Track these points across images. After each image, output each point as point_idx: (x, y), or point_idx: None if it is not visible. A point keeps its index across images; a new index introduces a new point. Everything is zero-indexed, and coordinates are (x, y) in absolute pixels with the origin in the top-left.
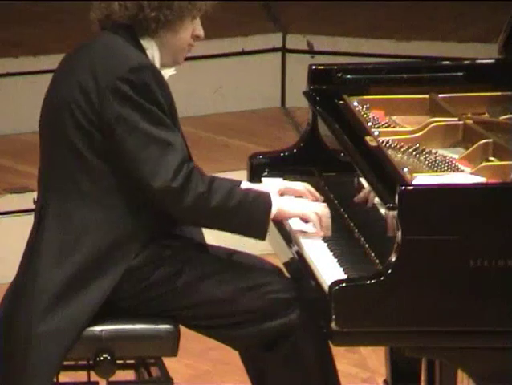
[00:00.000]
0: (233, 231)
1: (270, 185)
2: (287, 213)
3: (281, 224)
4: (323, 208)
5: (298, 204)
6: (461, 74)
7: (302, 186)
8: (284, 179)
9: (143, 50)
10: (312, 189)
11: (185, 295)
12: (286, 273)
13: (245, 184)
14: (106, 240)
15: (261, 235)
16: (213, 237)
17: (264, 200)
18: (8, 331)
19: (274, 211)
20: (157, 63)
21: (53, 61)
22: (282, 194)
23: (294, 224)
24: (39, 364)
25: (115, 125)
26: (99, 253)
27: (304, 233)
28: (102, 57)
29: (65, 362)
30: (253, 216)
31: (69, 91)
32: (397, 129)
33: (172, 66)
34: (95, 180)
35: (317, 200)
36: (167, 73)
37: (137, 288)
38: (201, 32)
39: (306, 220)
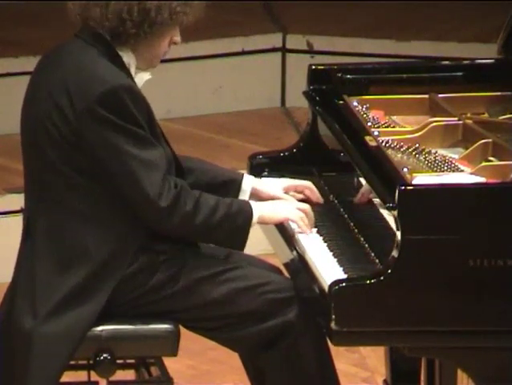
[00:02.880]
0: (215, 243)
1: (276, 182)
2: (271, 220)
3: (281, 224)
4: (304, 206)
5: (279, 207)
6: (461, 74)
7: (307, 183)
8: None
9: (119, 59)
10: (315, 189)
11: (183, 299)
12: (286, 273)
13: (247, 179)
14: (100, 254)
15: (240, 246)
16: None
17: (245, 211)
18: (8, 332)
19: (254, 220)
20: (132, 70)
21: None
22: (286, 191)
23: (293, 225)
24: (40, 368)
25: (96, 148)
26: (96, 267)
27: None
28: (76, 76)
29: None
30: (234, 229)
31: (43, 109)
32: (397, 129)
33: (147, 71)
34: (80, 196)
35: (318, 201)
36: (143, 78)
37: (134, 294)
38: (178, 39)
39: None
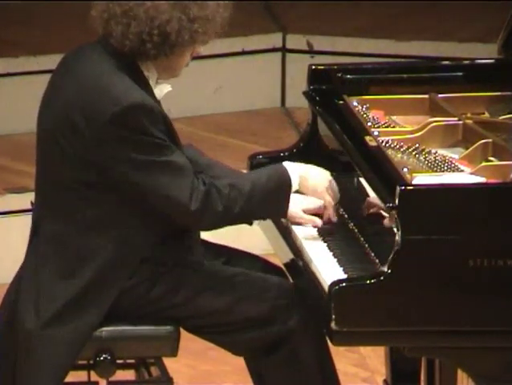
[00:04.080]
0: (259, 219)
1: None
2: (306, 188)
3: (280, 223)
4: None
5: (316, 175)
6: (461, 74)
7: (324, 204)
8: None
9: (139, 72)
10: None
11: (184, 309)
12: (287, 273)
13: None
14: (101, 265)
15: (283, 214)
16: (213, 236)
17: (283, 180)
18: (11, 334)
19: (295, 186)
20: (152, 81)
21: (53, 61)
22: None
23: (297, 230)
24: (42, 371)
25: (118, 165)
26: (96, 278)
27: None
28: (91, 93)
29: None
30: (275, 202)
31: (57, 124)
32: (397, 129)
33: (168, 82)
34: (88, 206)
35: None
36: (162, 90)
37: (135, 305)
38: (201, 50)
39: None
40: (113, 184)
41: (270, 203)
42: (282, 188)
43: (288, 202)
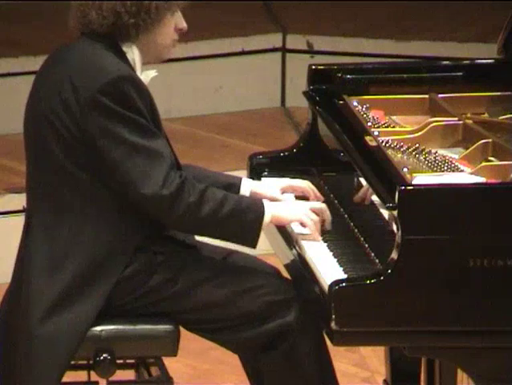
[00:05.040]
0: (224, 239)
1: (273, 183)
2: (282, 220)
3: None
4: (320, 206)
5: (293, 209)
6: (461, 74)
7: (305, 184)
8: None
9: (123, 55)
10: (314, 188)
11: (181, 301)
12: (286, 274)
13: (246, 182)
14: (95, 252)
15: (252, 243)
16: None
17: (257, 208)
18: (8, 333)
19: (267, 219)
20: (138, 67)
21: None
22: (283, 192)
23: (295, 227)
24: (41, 369)
25: (99, 137)
26: (90, 266)
27: (303, 235)
28: (80, 69)
29: None
30: (244, 225)
31: (48, 103)
32: (397, 129)
33: (157, 63)
34: (80, 193)
35: (318, 200)
36: (149, 75)
37: (133, 295)
38: (183, 24)
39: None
40: (99, 166)
41: (239, 221)
42: (255, 213)
43: (258, 233)
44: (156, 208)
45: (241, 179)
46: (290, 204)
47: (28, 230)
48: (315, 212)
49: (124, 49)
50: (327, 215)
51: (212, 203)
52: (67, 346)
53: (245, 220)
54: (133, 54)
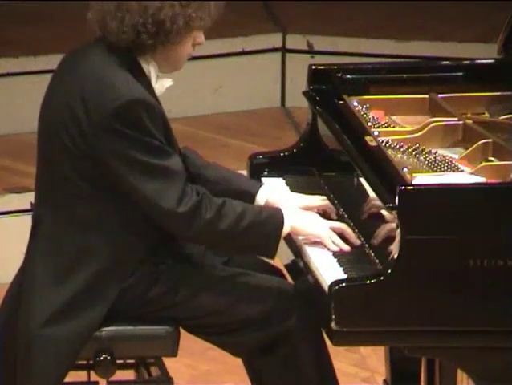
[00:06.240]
0: (242, 252)
1: (292, 201)
2: (301, 231)
3: None
4: (339, 225)
5: (315, 224)
6: (461, 74)
7: (324, 203)
8: (284, 179)
9: (138, 66)
10: (329, 204)
11: (183, 309)
12: (287, 275)
13: (263, 192)
14: (100, 264)
15: (270, 254)
16: None
17: (276, 219)
18: (10, 334)
19: (286, 230)
20: (153, 77)
21: (53, 61)
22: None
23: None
24: (42, 371)
25: (113, 160)
26: (95, 278)
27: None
28: (92, 86)
29: None
30: (263, 237)
31: (58, 115)
32: (397, 129)
33: (170, 72)
34: (86, 205)
35: (330, 215)
36: (163, 85)
37: (134, 305)
38: (201, 39)
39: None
40: (107, 180)
41: (258, 233)
42: (274, 224)
43: (277, 243)
44: (174, 226)
45: (257, 188)
46: (311, 216)
47: (34, 239)
48: (335, 231)
49: (140, 60)
50: (348, 233)
51: (230, 217)
52: (69, 350)
53: (264, 231)
54: (148, 65)
